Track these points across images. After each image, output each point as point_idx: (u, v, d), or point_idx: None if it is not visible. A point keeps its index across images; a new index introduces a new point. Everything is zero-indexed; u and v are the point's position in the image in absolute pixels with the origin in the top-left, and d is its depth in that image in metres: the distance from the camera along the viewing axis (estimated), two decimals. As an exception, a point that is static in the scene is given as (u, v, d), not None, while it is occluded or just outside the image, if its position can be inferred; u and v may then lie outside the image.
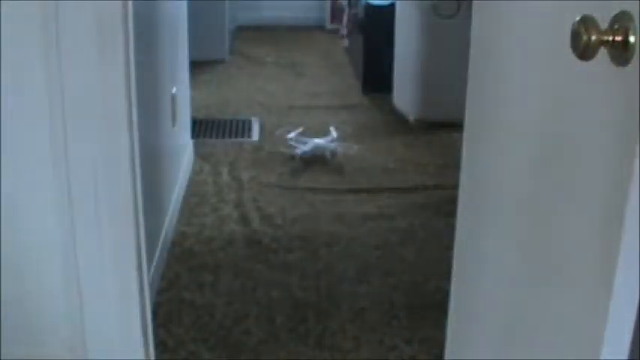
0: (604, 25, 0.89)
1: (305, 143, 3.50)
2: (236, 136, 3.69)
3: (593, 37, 0.89)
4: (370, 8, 4.24)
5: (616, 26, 0.87)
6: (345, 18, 5.05)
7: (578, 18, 0.91)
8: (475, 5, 1.45)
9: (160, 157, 2.52)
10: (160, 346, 2.07)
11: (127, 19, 1.48)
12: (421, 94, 3.81)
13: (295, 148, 3.49)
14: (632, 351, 0.95)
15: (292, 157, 3.44)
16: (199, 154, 3.42)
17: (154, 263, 2.33)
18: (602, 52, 0.90)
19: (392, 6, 4.07)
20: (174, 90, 2.80)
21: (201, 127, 3.75)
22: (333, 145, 3.48)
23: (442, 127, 3.73)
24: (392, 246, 2.70)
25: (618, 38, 0.87)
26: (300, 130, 3.66)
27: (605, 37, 0.88)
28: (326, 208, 2.98)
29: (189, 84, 3.35)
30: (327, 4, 5.75)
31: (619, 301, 0.92)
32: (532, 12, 1.17)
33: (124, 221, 1.58)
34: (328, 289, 2.43)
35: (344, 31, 5.10)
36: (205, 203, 2.98)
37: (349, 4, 4.92)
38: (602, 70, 0.91)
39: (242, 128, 3.78)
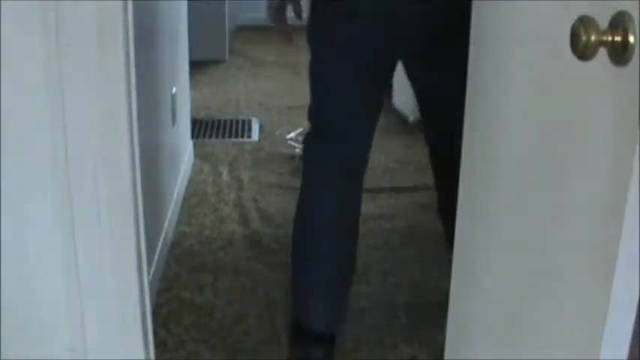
0: (603, 25, 0.89)
1: (305, 143, 3.50)
2: (236, 136, 3.69)
3: (593, 38, 0.89)
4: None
5: (615, 26, 0.87)
6: (345, 18, 5.04)
7: (577, 18, 0.91)
8: (475, 5, 1.45)
9: (159, 157, 2.52)
10: (160, 346, 2.07)
11: (127, 19, 1.48)
12: (421, 94, 3.80)
13: (295, 148, 3.49)
14: (632, 351, 0.95)
15: (292, 157, 3.44)
16: (199, 154, 3.42)
17: (154, 263, 2.33)
18: (602, 53, 0.90)
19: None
20: (174, 90, 2.80)
21: (201, 127, 3.75)
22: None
23: (442, 127, 3.72)
24: (392, 246, 2.70)
25: (618, 38, 0.87)
26: (300, 130, 3.66)
27: (605, 38, 0.89)
28: (326, 208, 2.98)
29: (189, 84, 3.35)
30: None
31: (619, 300, 0.92)
32: (532, 12, 1.17)
33: (124, 221, 1.58)
34: (328, 289, 2.43)
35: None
36: (205, 203, 2.98)
37: (349, 4, 4.91)
38: (602, 70, 0.91)
39: (242, 128, 3.78)
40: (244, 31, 5.57)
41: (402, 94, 3.97)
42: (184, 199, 2.99)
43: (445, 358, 1.69)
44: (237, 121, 3.87)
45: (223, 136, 3.69)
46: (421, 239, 2.74)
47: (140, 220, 1.62)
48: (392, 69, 1.99)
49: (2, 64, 1.45)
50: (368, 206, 2.99)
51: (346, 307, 2.05)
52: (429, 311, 2.28)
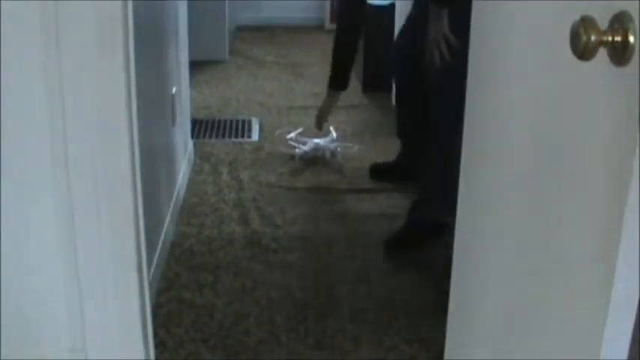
0: (603, 25, 0.89)
1: (305, 143, 3.50)
2: (236, 136, 3.69)
3: (593, 38, 0.89)
4: (370, 8, 4.24)
5: (615, 26, 0.87)
6: (345, 18, 5.03)
7: (577, 18, 0.91)
8: (475, 5, 1.45)
9: (159, 157, 2.53)
10: (160, 346, 2.07)
11: (127, 19, 1.48)
12: (421, 94, 3.80)
13: (295, 148, 3.49)
14: (631, 351, 0.95)
15: (292, 157, 3.44)
16: (199, 154, 3.42)
17: (154, 263, 2.33)
18: (602, 53, 0.90)
19: (392, 6, 4.08)
20: (174, 90, 2.80)
21: (201, 127, 3.75)
22: (333, 145, 3.48)
23: (442, 127, 3.72)
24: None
25: (618, 38, 0.87)
26: (300, 130, 3.66)
27: (605, 38, 0.89)
28: (326, 208, 2.98)
29: (189, 84, 3.35)
30: (327, 4, 5.74)
31: (619, 300, 0.92)
32: (532, 12, 1.17)
33: (124, 221, 1.58)
34: (328, 289, 2.43)
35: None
36: (205, 203, 2.98)
37: (349, 4, 4.90)
38: (602, 70, 0.91)
39: (242, 128, 3.78)
40: (244, 31, 5.57)
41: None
42: (184, 199, 2.99)
43: (445, 358, 1.69)
44: (237, 121, 3.87)
45: (223, 136, 3.69)
46: (421, 239, 2.74)
47: (140, 220, 1.62)
48: None
49: (2, 65, 1.45)
50: (368, 206, 3.00)
51: None
52: (429, 311, 2.28)
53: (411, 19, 2.94)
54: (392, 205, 3.00)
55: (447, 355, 1.68)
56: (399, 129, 3.17)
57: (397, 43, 3.10)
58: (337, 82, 3.34)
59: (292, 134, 3.62)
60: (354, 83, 4.49)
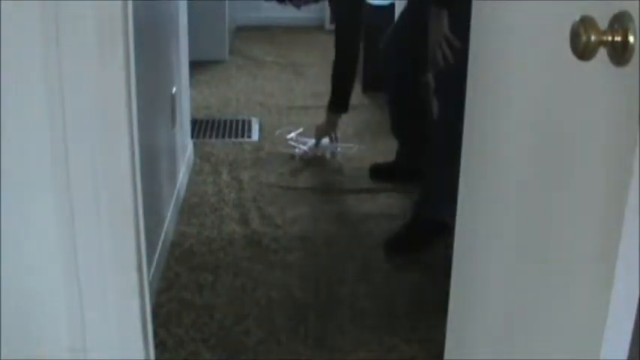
0: (603, 25, 0.89)
1: (305, 143, 3.50)
2: (236, 136, 3.69)
3: (593, 38, 0.89)
4: (370, 8, 4.24)
5: (615, 26, 0.87)
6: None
7: (577, 18, 0.91)
8: (475, 5, 1.45)
9: (159, 157, 2.53)
10: (160, 346, 2.07)
11: (127, 19, 1.48)
12: (421, 94, 3.80)
13: (295, 148, 3.49)
14: (632, 351, 0.95)
15: (292, 157, 3.44)
16: (199, 154, 3.42)
17: (154, 263, 2.33)
18: (602, 53, 0.90)
19: (392, 6, 4.07)
20: (174, 90, 2.80)
21: (201, 127, 3.75)
22: (333, 145, 3.48)
23: (442, 127, 3.72)
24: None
25: (618, 38, 0.87)
26: (300, 130, 3.66)
27: (605, 38, 0.89)
28: (326, 208, 2.98)
29: (189, 84, 3.35)
30: (327, 4, 5.74)
31: (619, 300, 0.92)
32: (532, 12, 1.17)
33: (124, 221, 1.58)
34: (328, 289, 2.43)
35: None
36: (205, 203, 2.98)
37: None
38: (602, 70, 0.91)
39: (242, 128, 3.78)
40: (244, 31, 5.57)
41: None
42: (184, 199, 2.99)
43: (445, 358, 1.69)
44: (237, 121, 3.87)
45: (223, 136, 3.69)
46: (421, 239, 2.74)
47: (140, 220, 1.62)
48: None
49: (2, 65, 1.45)
50: (368, 206, 3.00)
51: None
52: (429, 311, 2.28)
53: (408, 11, 2.93)
54: (392, 205, 3.00)
55: (447, 355, 1.68)
56: (393, 126, 3.17)
57: (396, 26, 3.08)
58: (338, 103, 3.33)
59: (292, 134, 3.62)
60: (354, 83, 4.49)
